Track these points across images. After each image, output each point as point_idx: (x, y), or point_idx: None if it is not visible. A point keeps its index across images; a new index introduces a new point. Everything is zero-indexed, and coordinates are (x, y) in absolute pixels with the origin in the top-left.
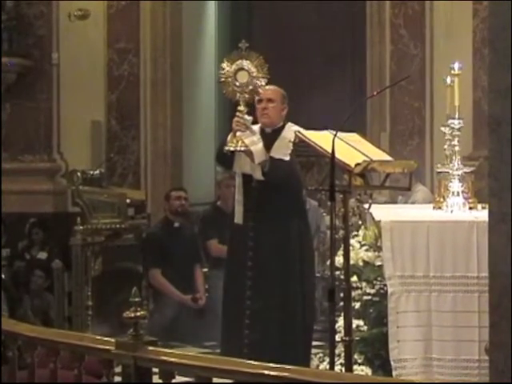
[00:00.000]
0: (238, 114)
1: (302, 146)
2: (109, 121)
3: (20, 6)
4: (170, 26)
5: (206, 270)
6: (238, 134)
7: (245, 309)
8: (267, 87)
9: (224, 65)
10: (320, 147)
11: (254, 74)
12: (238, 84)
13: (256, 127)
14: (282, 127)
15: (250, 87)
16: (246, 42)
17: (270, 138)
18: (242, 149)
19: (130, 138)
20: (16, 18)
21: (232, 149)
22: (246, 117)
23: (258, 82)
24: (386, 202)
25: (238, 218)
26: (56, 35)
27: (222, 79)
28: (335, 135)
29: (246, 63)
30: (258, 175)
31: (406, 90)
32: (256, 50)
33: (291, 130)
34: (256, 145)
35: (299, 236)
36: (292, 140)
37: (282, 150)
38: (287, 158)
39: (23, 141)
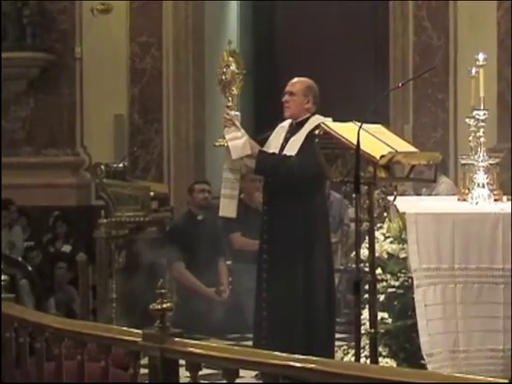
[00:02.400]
0: (225, 109)
1: (326, 138)
2: (131, 114)
3: (43, 2)
4: (192, 19)
5: (229, 262)
6: (225, 129)
7: (261, 301)
8: (292, 80)
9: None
10: (345, 139)
11: (236, 71)
12: (224, 80)
13: (288, 121)
14: (306, 120)
15: (234, 83)
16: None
17: (295, 131)
18: (226, 144)
19: (152, 132)
20: (39, 13)
21: (217, 144)
22: (233, 112)
23: (237, 77)
24: (409, 194)
25: (226, 212)
26: (79, 30)
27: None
28: (360, 127)
29: (231, 60)
30: (243, 170)
31: (429, 82)
32: (279, 42)
33: (312, 123)
34: (236, 140)
35: (304, 228)
36: (306, 134)
37: (294, 144)
38: (291, 153)
39: (47, 135)
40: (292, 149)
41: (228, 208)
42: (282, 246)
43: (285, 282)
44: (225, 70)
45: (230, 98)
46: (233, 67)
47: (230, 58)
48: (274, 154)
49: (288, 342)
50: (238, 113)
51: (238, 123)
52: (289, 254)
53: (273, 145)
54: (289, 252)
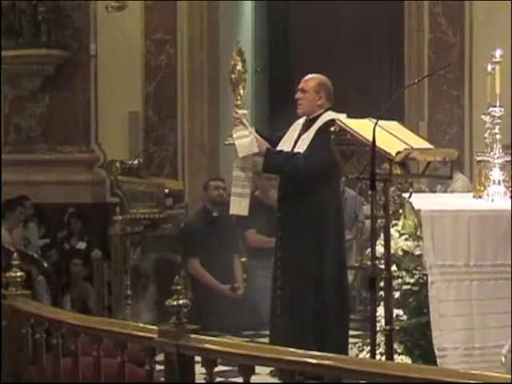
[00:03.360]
0: (234, 108)
1: (342, 135)
2: (146, 111)
3: None
4: (207, 16)
5: (244, 259)
6: (234, 128)
7: (276, 289)
8: (305, 77)
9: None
10: (360, 135)
11: (242, 70)
12: (233, 79)
13: (304, 118)
14: (319, 116)
15: (241, 82)
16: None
17: (307, 127)
18: (234, 142)
19: (167, 129)
20: (54, 10)
21: (227, 142)
22: (241, 111)
23: (244, 76)
24: (424, 191)
25: (237, 210)
26: (94, 27)
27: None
28: (376, 123)
29: (238, 59)
30: (256, 167)
31: (444, 79)
32: (294, 40)
33: (323, 120)
34: (243, 138)
35: (315, 224)
36: (316, 131)
37: (305, 141)
38: (301, 150)
39: (62, 132)
40: (302, 146)
41: (239, 206)
42: (294, 243)
43: (296, 279)
44: (233, 69)
45: (238, 97)
46: (239, 66)
47: (237, 58)
48: (281, 151)
49: (301, 340)
50: (246, 111)
51: (245, 121)
52: (299, 251)
53: (287, 142)
54: (299, 249)
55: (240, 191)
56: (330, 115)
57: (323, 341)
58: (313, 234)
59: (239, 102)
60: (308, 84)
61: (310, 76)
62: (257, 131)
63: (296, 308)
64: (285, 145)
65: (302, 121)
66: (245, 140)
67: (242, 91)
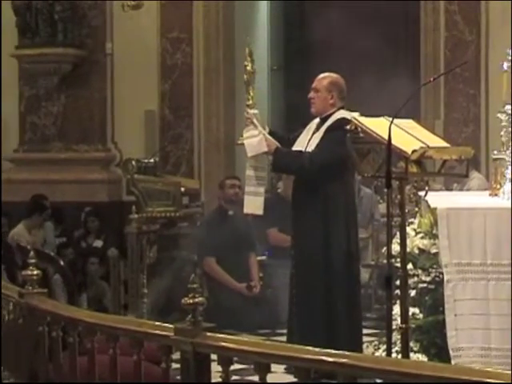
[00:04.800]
0: (245, 108)
1: (357, 133)
2: (162, 110)
3: None
4: (222, 14)
5: (260, 258)
6: (245, 128)
7: (292, 297)
8: (318, 76)
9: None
10: (376, 134)
11: (251, 71)
12: (245, 79)
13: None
14: (331, 115)
15: (251, 82)
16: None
17: (319, 126)
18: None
19: (183, 127)
20: (70, 8)
21: (239, 142)
22: (252, 111)
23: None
24: (440, 190)
25: (251, 208)
26: (110, 25)
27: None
28: (392, 121)
29: (248, 59)
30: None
31: (460, 77)
32: (310, 39)
33: (333, 119)
34: (252, 138)
35: (323, 222)
36: (325, 129)
37: (315, 140)
38: (308, 149)
39: (78, 131)
40: (313, 145)
41: (253, 205)
42: (304, 241)
43: (305, 277)
44: (245, 69)
45: (249, 97)
46: (249, 67)
47: (248, 58)
48: (290, 150)
49: (313, 338)
50: (256, 111)
51: (255, 121)
52: (308, 249)
53: (302, 141)
54: (308, 247)
55: (254, 190)
56: (341, 114)
57: (333, 338)
58: (320, 231)
59: (250, 102)
60: (321, 83)
61: (322, 75)
62: (271, 130)
63: (306, 306)
64: (299, 144)
65: (317, 120)
66: (254, 139)
67: (251, 91)
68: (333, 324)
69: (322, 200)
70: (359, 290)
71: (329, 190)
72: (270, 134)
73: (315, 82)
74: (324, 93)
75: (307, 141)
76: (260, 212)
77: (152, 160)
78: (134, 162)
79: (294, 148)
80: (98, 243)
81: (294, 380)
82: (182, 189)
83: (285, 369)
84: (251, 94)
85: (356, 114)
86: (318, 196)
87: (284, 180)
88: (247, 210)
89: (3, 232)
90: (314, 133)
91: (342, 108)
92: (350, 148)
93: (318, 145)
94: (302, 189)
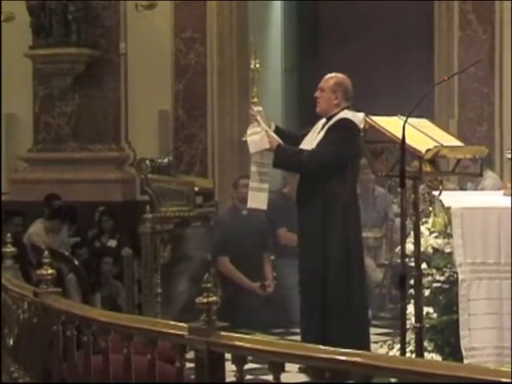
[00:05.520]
0: (250, 105)
1: (371, 132)
2: (176, 110)
3: None
4: (236, 14)
5: (274, 257)
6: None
7: (299, 295)
8: (325, 76)
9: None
10: (390, 133)
11: (253, 68)
12: (250, 76)
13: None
14: (334, 115)
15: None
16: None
17: (324, 126)
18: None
19: (197, 127)
20: (84, 8)
21: (244, 139)
22: (256, 108)
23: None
24: (454, 189)
25: (255, 203)
26: (123, 25)
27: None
28: (405, 121)
29: (253, 57)
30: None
31: (474, 76)
32: (323, 38)
33: (335, 119)
34: (254, 135)
35: (321, 220)
36: (326, 129)
37: (317, 141)
38: (305, 147)
39: (92, 130)
40: (315, 144)
41: (256, 200)
42: (305, 240)
43: (307, 276)
44: (250, 67)
45: (253, 94)
46: (252, 65)
47: (253, 56)
48: (290, 148)
49: (311, 336)
50: (260, 108)
51: (259, 118)
52: (308, 248)
53: (308, 140)
54: (308, 246)
55: (257, 186)
56: (345, 114)
57: (328, 337)
58: (318, 231)
59: (255, 100)
60: (326, 83)
61: (329, 75)
62: (277, 127)
63: (306, 305)
64: (306, 143)
65: (323, 120)
66: (256, 136)
67: (256, 89)
68: (329, 324)
69: (320, 199)
70: (361, 289)
71: (327, 190)
72: (276, 130)
73: (321, 82)
74: (329, 93)
75: (313, 140)
76: (264, 207)
77: (166, 160)
78: (147, 162)
79: (301, 146)
80: (112, 243)
81: (308, 379)
82: (196, 188)
83: (299, 368)
84: (255, 91)
85: (361, 115)
86: (317, 195)
87: (290, 179)
88: (251, 204)
89: (18, 231)
90: (319, 132)
91: (347, 108)
92: (351, 147)
93: (318, 143)
94: (304, 188)
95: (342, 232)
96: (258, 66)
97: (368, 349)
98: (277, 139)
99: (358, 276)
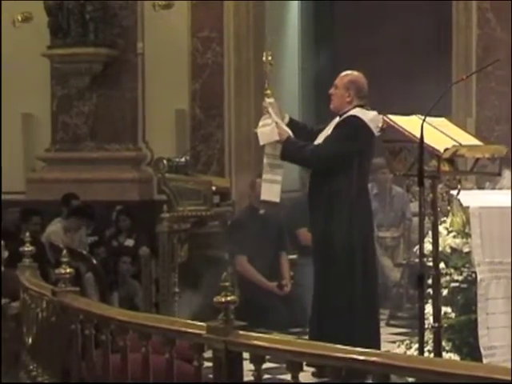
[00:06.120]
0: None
1: (389, 132)
2: (193, 109)
3: None
4: (253, 14)
5: (291, 257)
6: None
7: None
8: (341, 73)
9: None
10: (408, 132)
11: (264, 60)
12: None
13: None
14: (346, 113)
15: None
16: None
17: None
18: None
19: (214, 127)
20: (101, 8)
21: (255, 130)
22: (268, 100)
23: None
24: (472, 188)
25: (268, 195)
26: (141, 25)
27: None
28: (424, 120)
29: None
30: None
31: (492, 76)
32: (340, 38)
33: (345, 116)
34: (265, 127)
35: (328, 219)
36: (335, 125)
37: (322, 137)
38: (315, 142)
39: (109, 130)
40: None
41: (269, 192)
42: (313, 238)
43: (316, 273)
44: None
45: (266, 86)
46: (264, 57)
47: (266, 52)
48: (298, 141)
49: (320, 334)
50: (272, 100)
51: (271, 110)
52: (316, 245)
53: (321, 136)
54: (315, 243)
55: (270, 177)
56: (356, 112)
57: (327, 333)
58: (324, 228)
59: (267, 92)
60: (341, 80)
61: (344, 73)
62: (291, 119)
63: (314, 302)
64: (320, 139)
65: (338, 118)
66: (267, 128)
67: (268, 81)
68: (331, 321)
69: (325, 197)
70: (367, 288)
71: (332, 187)
72: (290, 123)
73: (336, 79)
74: (342, 90)
75: (323, 136)
76: (277, 199)
77: (183, 159)
78: (165, 161)
79: (315, 142)
80: (130, 242)
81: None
82: (213, 188)
83: (312, 373)
84: (267, 83)
85: (372, 114)
86: (323, 193)
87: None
88: (264, 196)
89: (36, 230)
90: (330, 129)
91: (361, 106)
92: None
93: (324, 139)
94: (312, 185)
95: (347, 229)
96: (270, 58)
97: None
98: (287, 131)
99: (364, 274)
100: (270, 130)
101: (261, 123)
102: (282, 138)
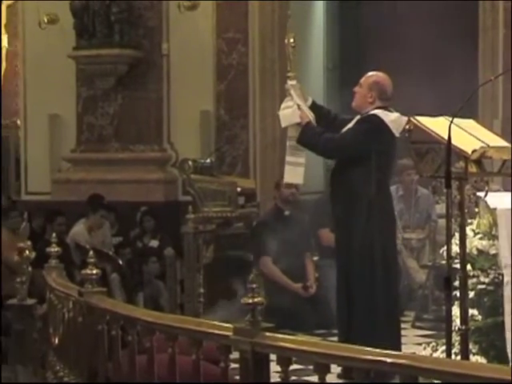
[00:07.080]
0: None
1: (416, 133)
2: (218, 110)
3: None
4: (278, 14)
5: (316, 258)
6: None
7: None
8: (369, 72)
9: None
10: (435, 133)
11: (286, 43)
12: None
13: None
14: (366, 113)
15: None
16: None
17: None
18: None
19: (238, 128)
20: (127, 9)
21: (278, 112)
22: (291, 82)
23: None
24: (498, 190)
25: (291, 178)
26: (166, 26)
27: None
28: (451, 121)
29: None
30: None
31: None
32: (366, 39)
33: (362, 116)
34: (287, 109)
35: (346, 219)
36: (356, 120)
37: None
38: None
39: (134, 131)
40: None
41: (293, 174)
42: (336, 235)
43: (336, 271)
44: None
45: (288, 69)
46: (286, 40)
47: (289, 39)
48: (316, 127)
49: (341, 331)
50: (294, 82)
51: (293, 92)
52: (337, 244)
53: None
54: (336, 241)
55: (293, 160)
56: (377, 112)
57: (346, 335)
58: (343, 228)
59: (290, 74)
60: (365, 80)
61: (371, 73)
62: (314, 103)
63: (337, 302)
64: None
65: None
66: (288, 110)
67: (290, 64)
68: (353, 322)
69: (344, 196)
70: (387, 288)
71: (350, 187)
72: (313, 106)
73: (362, 78)
74: (365, 89)
75: None
76: (300, 181)
77: (208, 160)
78: (190, 162)
79: None
80: (154, 243)
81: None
82: (238, 189)
83: (338, 375)
84: (290, 66)
85: (396, 115)
86: (341, 192)
87: None
88: (287, 179)
89: (61, 231)
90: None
91: (383, 108)
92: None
93: (343, 131)
94: (332, 185)
95: (365, 230)
96: (292, 40)
97: (399, 349)
98: (307, 115)
99: (384, 274)
100: (291, 112)
101: (283, 105)
102: (302, 121)
